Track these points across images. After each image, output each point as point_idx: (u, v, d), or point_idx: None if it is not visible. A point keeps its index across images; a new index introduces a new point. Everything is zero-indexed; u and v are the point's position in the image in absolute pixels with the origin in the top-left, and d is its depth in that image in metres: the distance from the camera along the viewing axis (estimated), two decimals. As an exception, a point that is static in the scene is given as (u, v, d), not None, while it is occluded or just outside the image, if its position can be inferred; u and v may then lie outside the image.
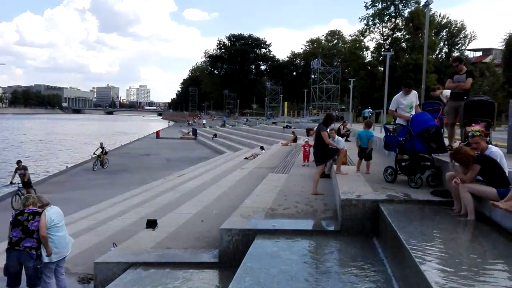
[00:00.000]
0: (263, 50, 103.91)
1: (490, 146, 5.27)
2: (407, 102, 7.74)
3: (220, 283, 4.81)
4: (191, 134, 50.74)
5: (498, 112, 23.06)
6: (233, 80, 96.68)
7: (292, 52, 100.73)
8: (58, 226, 5.75)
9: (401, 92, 7.92)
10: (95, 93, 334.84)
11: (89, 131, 63.99)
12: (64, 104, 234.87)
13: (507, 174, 4.81)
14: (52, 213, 5.76)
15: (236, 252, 5.18)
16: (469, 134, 5.50)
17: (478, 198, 4.80)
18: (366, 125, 8.65)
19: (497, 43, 48.24)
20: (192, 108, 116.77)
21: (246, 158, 19.22)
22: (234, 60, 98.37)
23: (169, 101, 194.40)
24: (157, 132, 51.45)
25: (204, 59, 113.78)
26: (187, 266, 5.26)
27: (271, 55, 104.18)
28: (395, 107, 7.78)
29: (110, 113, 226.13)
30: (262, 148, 21.58)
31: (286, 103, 62.83)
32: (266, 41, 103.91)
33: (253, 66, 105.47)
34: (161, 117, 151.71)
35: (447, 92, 8.70)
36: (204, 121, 67.95)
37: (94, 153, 23.58)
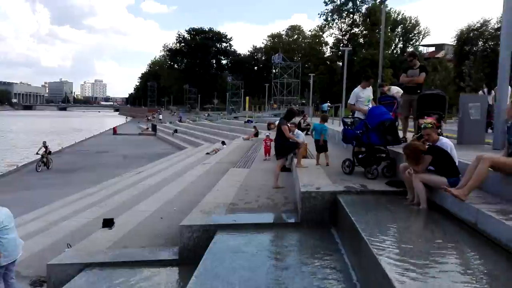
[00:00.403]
0: (224, 44, 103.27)
1: (441, 137, 5.50)
2: (366, 96, 7.96)
3: (180, 280, 4.73)
4: (150, 129, 49.61)
5: (450, 105, 24.30)
6: (194, 75, 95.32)
7: (253, 46, 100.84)
8: (7, 229, 5.40)
9: (360, 86, 8.12)
10: (47, 89, 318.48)
11: (40, 128, 60.85)
12: (14, 100, 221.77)
13: (457, 164, 5.05)
14: (1, 215, 5.41)
15: (197, 249, 5.11)
16: (422, 126, 5.73)
17: (430, 187, 5.01)
18: (322, 119, 8.86)
19: (449, 39, 50.70)
20: (151, 103, 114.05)
21: (207, 153, 19.06)
22: (194, 54, 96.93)
23: (127, 96, 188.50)
24: (114, 128, 49.87)
25: (163, 53, 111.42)
26: (145, 264, 5.13)
27: (232, 49, 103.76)
28: (354, 100, 7.97)
29: (64, 109, 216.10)
30: (223, 143, 21.47)
31: (247, 97, 62.91)
32: (227, 36, 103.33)
33: (214, 61, 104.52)
34: (118, 112, 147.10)
35: (394, 90, 9.03)
36: (160, 117, 66.29)
37: (37, 153, 22.13)
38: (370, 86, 8.40)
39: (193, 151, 25.23)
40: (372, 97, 8.49)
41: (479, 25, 36.36)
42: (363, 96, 7.89)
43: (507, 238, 3.40)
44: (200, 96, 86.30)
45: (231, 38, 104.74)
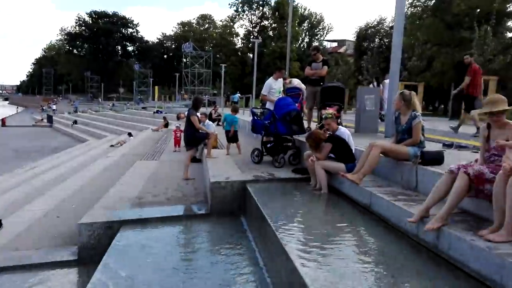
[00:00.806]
0: (130, 30, 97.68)
1: (340, 127, 5.91)
2: (277, 87, 8.19)
3: (79, 281, 4.38)
4: (46, 121, 45.17)
5: (350, 97, 26.28)
6: (96, 62, 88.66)
7: (162, 34, 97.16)
8: None
9: (272, 77, 8.33)
10: None
11: None
12: None
13: (353, 151, 5.46)
14: None
15: (99, 247, 4.80)
16: (323, 116, 6.08)
17: (330, 173, 5.35)
18: (233, 110, 8.96)
19: (350, 35, 54.70)
20: (47, 91, 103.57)
21: (112, 145, 17.96)
22: (97, 39, 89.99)
23: (18, 83, 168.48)
24: (3, 120, 44.32)
25: (60, 37, 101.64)
26: (39, 267, 4.64)
27: (139, 35, 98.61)
28: (267, 91, 8.13)
29: None
30: (130, 134, 20.44)
31: (156, 87, 60.59)
32: (133, 21, 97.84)
33: (119, 47, 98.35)
34: (7, 102, 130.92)
35: (294, 82, 9.47)
36: (54, 107, 60.34)
37: None
38: (282, 78, 8.70)
39: (96, 143, 23.58)
40: (283, 89, 8.81)
41: (376, 23, 39.78)
42: (275, 87, 8.11)
43: (396, 217, 3.78)
44: (103, 84, 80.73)
45: (137, 23, 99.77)
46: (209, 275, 3.73)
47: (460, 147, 5.90)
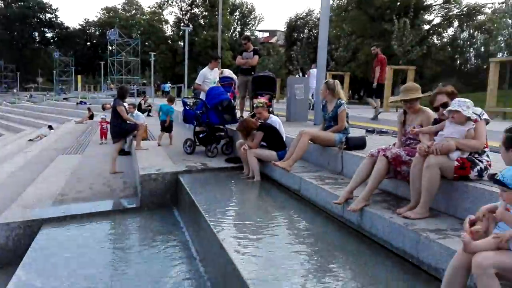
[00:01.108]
0: (48, 15, 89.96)
1: (271, 115, 6.00)
2: (213, 77, 8.06)
3: (-4, 289, 4.01)
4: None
5: (282, 87, 26.87)
6: (10, 49, 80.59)
7: (85, 20, 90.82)
8: None
9: (208, 66, 8.18)
10: None
11: None
12: None
13: (284, 139, 5.59)
14: None
15: (18, 248, 4.46)
16: (254, 105, 6.14)
17: (262, 161, 5.43)
18: (168, 100, 8.81)
19: (281, 26, 55.86)
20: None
21: (30, 140, 16.54)
22: (10, 25, 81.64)
23: None
24: None
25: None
26: None
27: (59, 21, 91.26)
28: (202, 81, 7.97)
29: None
30: (50, 127, 18.96)
31: (79, 76, 56.74)
32: (51, 5, 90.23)
33: (37, 34, 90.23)
34: None
35: (226, 72, 9.46)
36: None
37: None
38: (216, 68, 8.60)
39: (11, 138, 21.55)
40: (218, 79, 8.73)
41: (305, 14, 41.01)
42: (210, 77, 7.96)
43: (324, 200, 3.95)
44: (19, 74, 73.73)
45: (57, 8, 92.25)
46: (141, 270, 3.62)
47: (381, 132, 6.32)
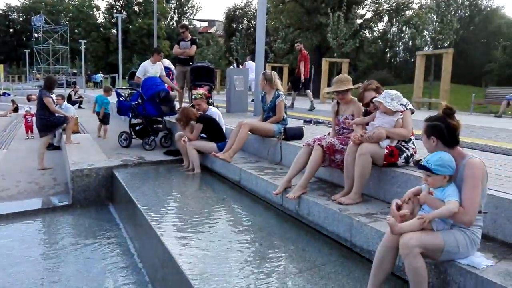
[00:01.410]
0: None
1: (210, 107, 5.93)
2: (154, 71, 7.75)
3: None
4: None
5: (223, 78, 26.69)
6: None
7: (7, 4, 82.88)
8: None
9: (149, 60, 7.86)
10: None
11: None
12: None
13: (224, 131, 5.57)
14: None
15: None
16: (193, 96, 6.03)
17: (203, 153, 5.37)
18: (104, 90, 8.43)
19: (220, 16, 55.22)
20: None
21: None
22: None
23: None
24: None
25: None
26: None
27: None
28: (142, 74, 7.61)
29: None
30: (-31, 121, 17.20)
31: (1, 65, 51.93)
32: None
33: None
34: None
35: (166, 62, 9.23)
36: None
37: None
38: (161, 64, 8.31)
39: None
40: (164, 74, 8.46)
41: (243, 4, 40.94)
42: (151, 70, 7.63)
43: (263, 190, 4.00)
44: None
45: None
46: (76, 269, 3.43)
47: (318, 123, 6.53)
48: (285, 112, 5.03)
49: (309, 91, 10.38)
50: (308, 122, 6.55)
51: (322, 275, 2.48)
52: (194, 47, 8.79)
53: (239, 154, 5.01)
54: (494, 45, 37.36)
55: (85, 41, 36.56)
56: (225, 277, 2.45)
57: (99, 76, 29.73)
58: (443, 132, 2.06)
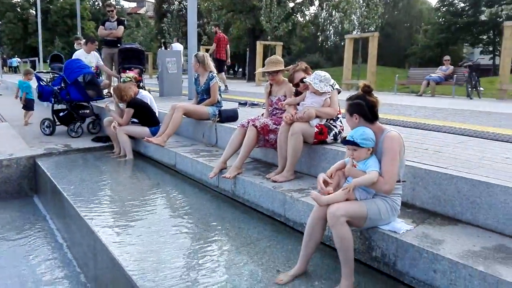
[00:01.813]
0: None
1: (141, 90, 5.69)
2: (88, 61, 7.25)
3: None
4: None
5: (154, 61, 25.72)
6: None
7: None
8: None
9: (83, 49, 7.31)
10: None
11: None
12: None
13: (157, 115, 5.40)
14: None
15: None
16: (121, 80, 5.75)
17: (135, 138, 5.19)
18: (24, 74, 7.76)
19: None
20: None
21: None
22: None
23: None
24: None
25: None
26: None
27: None
28: None
29: None
30: None
31: None
32: None
33: None
34: None
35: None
36: None
37: None
38: (97, 54, 7.79)
39: None
40: (102, 63, 7.95)
41: (174, -16, 39.45)
42: (85, 60, 7.11)
43: (200, 173, 3.97)
44: None
45: None
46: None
47: (253, 105, 6.59)
48: (220, 95, 5.00)
49: (223, 73, 10.32)
50: (243, 104, 6.58)
51: (257, 250, 2.55)
52: (122, 28, 8.38)
53: (173, 138, 4.92)
54: (416, 29, 40.10)
55: (-1, 22, 33.13)
56: (163, 263, 2.41)
57: (15, 61, 27.15)
58: (364, 109, 2.18)
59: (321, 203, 2.13)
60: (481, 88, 9.75)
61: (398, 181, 2.18)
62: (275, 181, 3.19)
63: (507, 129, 4.08)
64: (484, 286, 1.77)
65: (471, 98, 8.94)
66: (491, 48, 34.13)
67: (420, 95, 10.04)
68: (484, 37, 34.61)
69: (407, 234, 2.17)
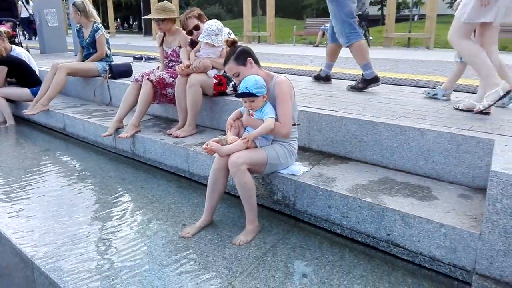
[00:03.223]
0: None
1: (15, 47, 4.96)
2: None
3: None
4: None
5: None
6: None
7: None
8: None
9: None
10: None
11: None
12: None
13: (38, 73, 4.79)
14: None
15: None
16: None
17: (14, 101, 4.58)
18: None
19: None
20: None
21: None
22: None
23: None
24: None
25: None
26: None
27: None
28: None
29: None
30: None
31: None
32: None
33: None
34: None
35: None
36: None
37: None
38: None
39: None
40: None
41: None
42: None
43: (93, 134, 3.67)
44: None
45: None
46: None
47: (149, 59, 6.20)
48: (108, 48, 4.57)
49: None
50: (139, 59, 6.18)
51: (162, 207, 2.48)
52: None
53: (59, 99, 4.45)
54: (313, -21, 40.88)
55: None
56: (63, 234, 2.21)
57: None
58: (252, 52, 2.17)
59: (221, 153, 2.11)
60: (370, 37, 10.47)
61: (294, 124, 2.24)
62: (177, 137, 3.08)
63: (390, 73, 4.47)
64: (372, 215, 1.96)
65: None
66: (379, -1, 36.61)
67: (317, 46, 10.44)
68: (373, -13, 36.83)
69: (304, 175, 2.28)
